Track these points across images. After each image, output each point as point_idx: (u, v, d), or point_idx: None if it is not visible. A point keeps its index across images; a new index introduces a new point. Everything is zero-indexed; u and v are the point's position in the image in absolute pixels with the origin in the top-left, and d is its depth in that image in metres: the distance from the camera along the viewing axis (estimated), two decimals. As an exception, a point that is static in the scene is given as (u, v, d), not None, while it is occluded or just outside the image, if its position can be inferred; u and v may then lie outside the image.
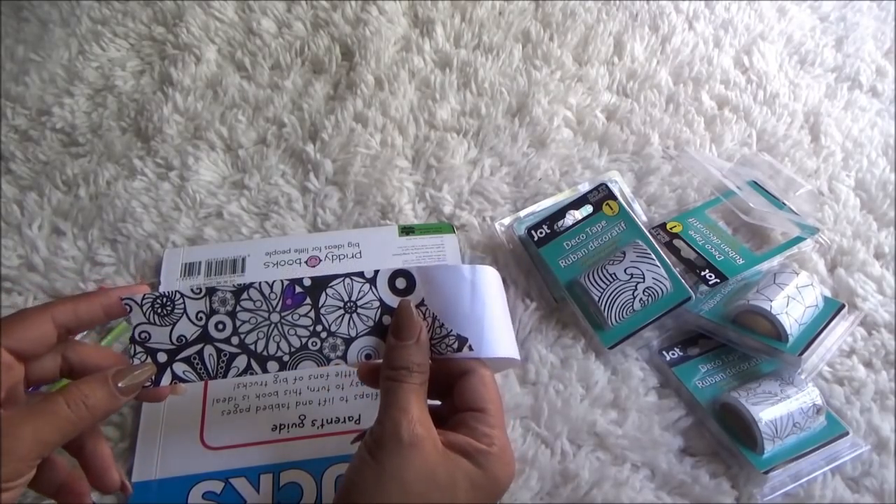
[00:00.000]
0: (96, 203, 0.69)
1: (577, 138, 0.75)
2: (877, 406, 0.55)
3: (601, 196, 0.66)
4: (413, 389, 0.40)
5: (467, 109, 0.77)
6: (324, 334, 0.43)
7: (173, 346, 0.42)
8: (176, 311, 0.43)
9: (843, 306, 0.57)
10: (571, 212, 0.65)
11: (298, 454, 0.54)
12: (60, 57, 0.82)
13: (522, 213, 0.67)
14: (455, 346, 0.44)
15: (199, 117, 0.76)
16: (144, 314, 0.43)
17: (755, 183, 0.67)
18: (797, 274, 0.58)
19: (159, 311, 0.43)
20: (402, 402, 0.39)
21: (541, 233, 0.64)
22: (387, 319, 0.44)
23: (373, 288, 0.44)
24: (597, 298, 0.59)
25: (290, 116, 0.76)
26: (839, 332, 0.57)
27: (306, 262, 0.64)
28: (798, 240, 0.63)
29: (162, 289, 0.62)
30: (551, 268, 0.63)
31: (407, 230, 0.67)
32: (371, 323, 0.44)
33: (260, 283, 0.43)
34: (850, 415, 0.55)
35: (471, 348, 0.44)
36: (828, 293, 0.62)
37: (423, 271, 0.44)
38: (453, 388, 0.44)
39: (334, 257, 0.65)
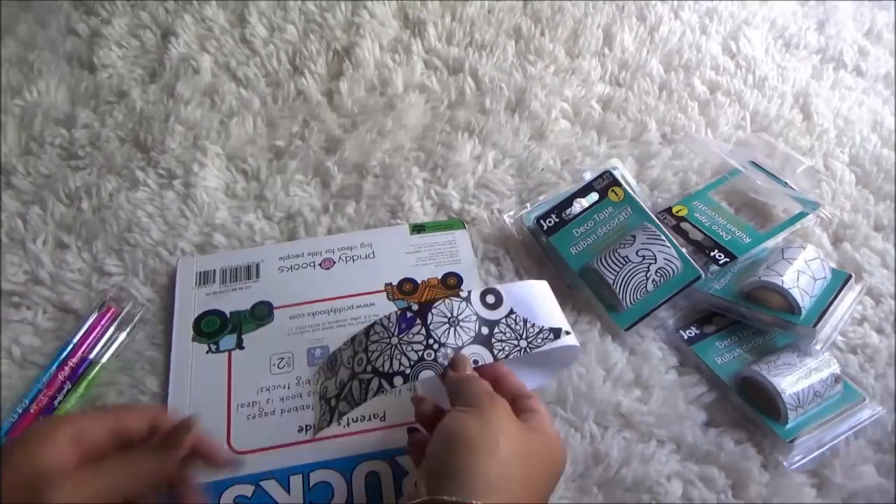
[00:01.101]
0: (99, 215, 0.69)
1: (574, 128, 0.76)
2: (892, 371, 0.57)
3: (606, 183, 0.66)
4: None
5: (469, 106, 0.78)
6: (435, 346, 0.48)
7: (337, 391, 0.50)
8: (337, 363, 0.51)
9: (850, 277, 0.59)
10: (578, 200, 0.66)
11: (327, 453, 0.54)
12: (58, 70, 0.82)
13: (530, 205, 0.68)
14: (551, 336, 0.50)
15: (198, 126, 0.76)
16: (324, 373, 0.53)
17: (754, 163, 0.69)
18: (804, 248, 0.59)
19: (330, 367, 0.52)
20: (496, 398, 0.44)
21: (550, 222, 0.65)
22: (485, 330, 0.50)
23: (469, 305, 0.50)
24: (611, 281, 0.60)
25: (292, 121, 0.76)
26: (848, 302, 0.58)
27: (320, 265, 0.64)
28: (801, 216, 0.65)
29: (178, 300, 0.63)
30: (563, 255, 0.64)
31: (418, 228, 0.67)
32: (473, 333, 0.49)
33: (381, 318, 0.50)
34: (865, 382, 0.57)
35: (567, 333, 0.51)
36: (833, 267, 0.64)
37: (505, 288, 0.52)
38: None
39: (348, 258, 0.65)
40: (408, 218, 0.69)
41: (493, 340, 0.49)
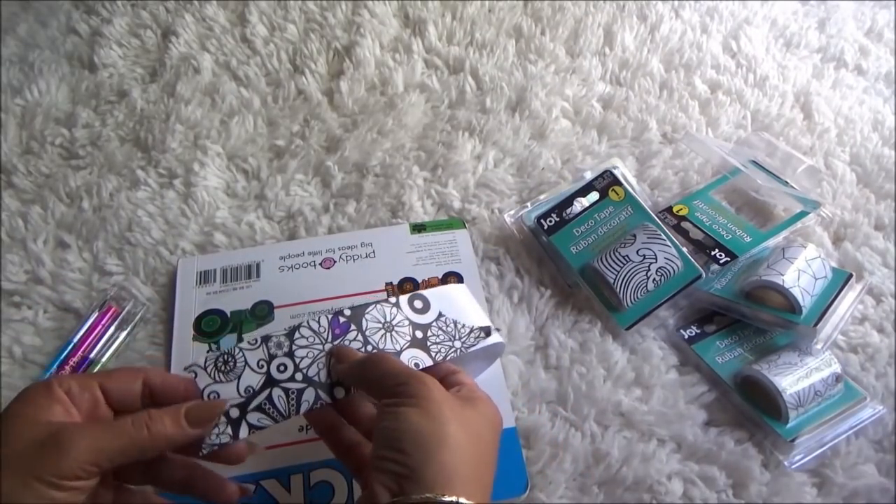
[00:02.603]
0: (100, 215, 0.69)
1: (575, 128, 0.76)
2: (892, 370, 0.57)
3: (606, 182, 0.66)
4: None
5: (469, 106, 0.78)
6: (374, 352, 0.47)
7: (243, 399, 0.44)
8: (238, 365, 0.45)
9: (850, 276, 0.59)
10: (579, 199, 0.66)
11: (327, 453, 0.54)
12: (59, 70, 0.82)
13: (530, 204, 0.68)
14: (482, 335, 0.50)
15: (199, 125, 0.76)
16: (210, 375, 0.44)
17: (755, 162, 0.69)
18: (805, 247, 0.59)
19: (222, 368, 0.45)
20: (423, 377, 0.42)
21: (550, 221, 0.65)
22: (419, 334, 0.49)
23: (399, 310, 0.49)
24: (612, 281, 0.60)
25: (292, 120, 0.76)
26: (849, 301, 0.58)
27: (321, 265, 0.64)
28: (801, 215, 0.65)
29: (178, 300, 0.63)
30: (563, 254, 0.64)
31: (418, 227, 0.67)
32: (409, 338, 0.48)
33: (307, 321, 0.47)
34: (866, 381, 0.57)
35: (498, 330, 0.52)
36: (834, 266, 0.64)
37: (430, 292, 0.51)
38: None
39: (348, 258, 0.65)
40: (408, 217, 0.69)
41: (429, 343, 0.49)
